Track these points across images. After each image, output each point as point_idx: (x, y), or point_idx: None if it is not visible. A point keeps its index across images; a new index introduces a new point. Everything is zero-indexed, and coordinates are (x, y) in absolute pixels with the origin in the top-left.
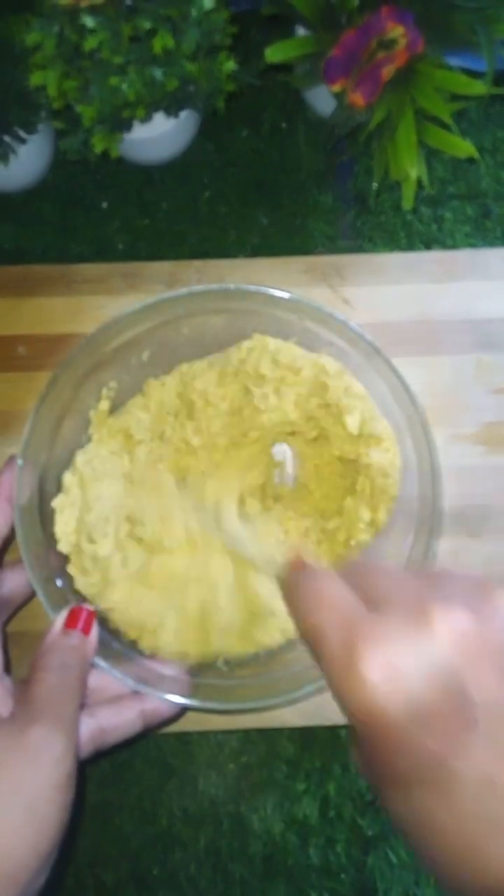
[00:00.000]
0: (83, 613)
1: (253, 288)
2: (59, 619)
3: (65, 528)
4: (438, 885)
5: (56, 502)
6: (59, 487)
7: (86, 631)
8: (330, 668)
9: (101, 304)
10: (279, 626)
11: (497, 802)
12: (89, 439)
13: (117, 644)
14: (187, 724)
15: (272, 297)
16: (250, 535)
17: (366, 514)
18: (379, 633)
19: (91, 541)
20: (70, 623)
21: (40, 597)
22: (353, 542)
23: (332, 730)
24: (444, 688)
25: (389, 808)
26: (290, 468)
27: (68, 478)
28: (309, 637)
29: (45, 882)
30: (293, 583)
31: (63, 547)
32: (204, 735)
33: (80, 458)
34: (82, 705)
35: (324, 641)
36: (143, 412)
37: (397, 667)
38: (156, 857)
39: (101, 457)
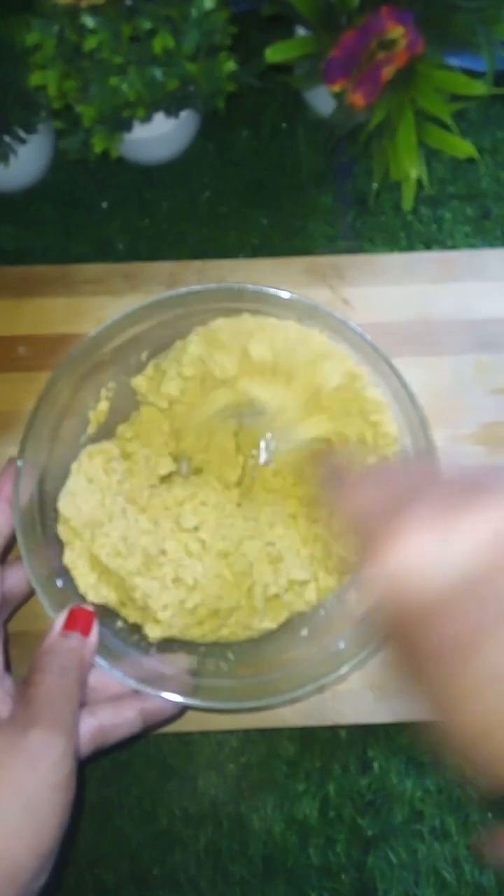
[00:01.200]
0: (83, 614)
1: (253, 288)
2: (59, 620)
3: (88, 581)
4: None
5: (66, 560)
6: (59, 488)
7: (85, 632)
8: (368, 552)
9: (101, 304)
10: (281, 611)
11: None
12: (88, 439)
13: (118, 643)
14: (187, 723)
15: (272, 297)
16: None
17: None
18: (420, 517)
19: (131, 603)
20: (69, 625)
21: (40, 597)
22: None
23: (332, 730)
24: (475, 579)
25: (411, 686)
26: (265, 454)
27: (62, 531)
28: (351, 529)
29: (45, 882)
30: (322, 478)
31: (94, 598)
32: (204, 735)
33: (63, 504)
34: (82, 704)
35: (366, 528)
36: (128, 431)
37: (432, 550)
38: (156, 857)
39: (82, 489)
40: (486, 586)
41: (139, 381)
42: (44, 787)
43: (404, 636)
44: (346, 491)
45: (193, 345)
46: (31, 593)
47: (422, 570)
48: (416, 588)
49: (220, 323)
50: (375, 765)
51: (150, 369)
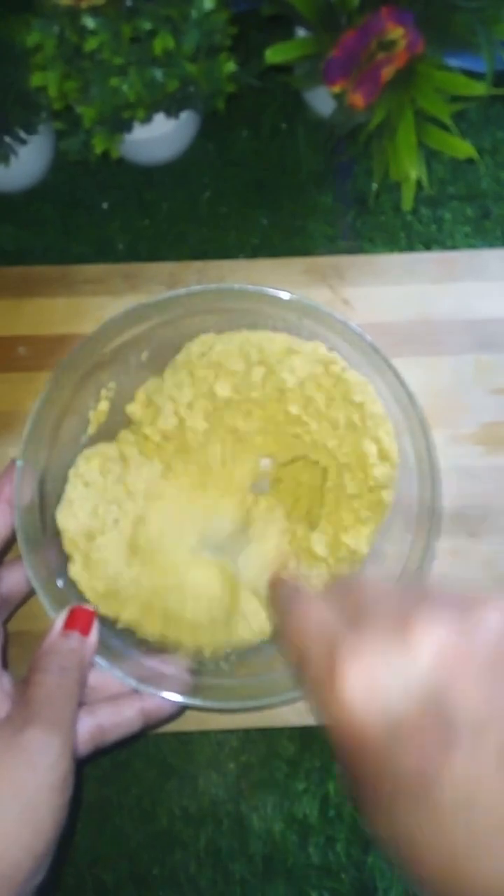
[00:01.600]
0: (83, 614)
1: (252, 288)
2: (59, 620)
3: (95, 591)
4: None
5: (71, 573)
6: (59, 489)
7: (85, 632)
8: (311, 688)
9: (101, 304)
10: (253, 625)
11: (477, 821)
12: (89, 440)
13: (118, 643)
14: (187, 723)
15: (272, 297)
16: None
17: (372, 448)
18: (359, 650)
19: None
20: (69, 624)
21: (41, 597)
22: (372, 483)
23: None
24: (424, 703)
25: (372, 826)
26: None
27: (67, 543)
28: (293, 659)
29: (42, 882)
30: (278, 605)
31: (105, 611)
32: (204, 734)
33: (60, 516)
34: (81, 704)
35: (306, 661)
36: (129, 436)
37: (375, 683)
38: (156, 857)
39: (80, 496)
40: (440, 708)
41: (133, 409)
42: (40, 788)
43: (359, 771)
44: (291, 618)
45: (180, 385)
46: (30, 593)
47: (371, 701)
48: (367, 722)
49: (195, 351)
50: None
51: (141, 396)
